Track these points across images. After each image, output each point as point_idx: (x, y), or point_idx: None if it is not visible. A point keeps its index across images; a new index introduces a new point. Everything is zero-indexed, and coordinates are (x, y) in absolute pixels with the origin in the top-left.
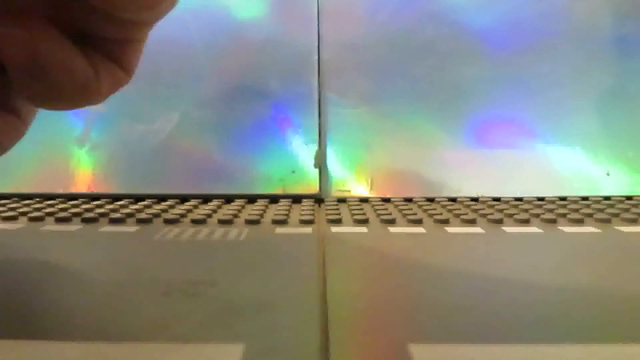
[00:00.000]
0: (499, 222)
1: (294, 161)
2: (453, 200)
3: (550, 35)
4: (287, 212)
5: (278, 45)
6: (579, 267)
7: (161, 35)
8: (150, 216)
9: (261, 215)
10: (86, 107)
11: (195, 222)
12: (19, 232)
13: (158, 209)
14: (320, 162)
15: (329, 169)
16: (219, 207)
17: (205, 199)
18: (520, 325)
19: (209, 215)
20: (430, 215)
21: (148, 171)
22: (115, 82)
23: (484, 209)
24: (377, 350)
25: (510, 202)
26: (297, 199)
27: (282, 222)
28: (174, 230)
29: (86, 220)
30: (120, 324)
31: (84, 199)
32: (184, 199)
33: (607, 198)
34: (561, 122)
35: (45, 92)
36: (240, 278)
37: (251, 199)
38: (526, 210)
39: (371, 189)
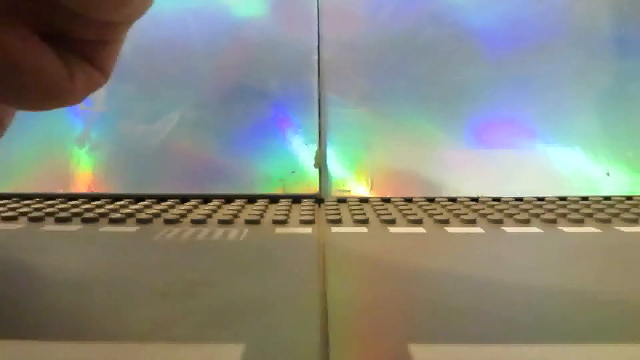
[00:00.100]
0: (499, 222)
1: (294, 161)
2: (453, 200)
3: (550, 35)
4: (287, 212)
5: (278, 45)
6: (579, 267)
7: (161, 35)
8: (150, 216)
9: (261, 215)
10: (86, 108)
11: (195, 222)
12: (19, 232)
13: (158, 209)
14: (320, 162)
15: (329, 169)
16: (219, 207)
17: (205, 199)
18: (520, 325)
19: (209, 216)
20: (430, 215)
21: (148, 171)
22: (91, 83)
23: (484, 209)
24: (377, 350)
25: (510, 202)
26: (297, 199)
27: (282, 222)
28: (174, 230)
29: (86, 220)
30: (120, 324)
31: (84, 199)
32: (184, 199)
33: (607, 198)
34: (561, 122)
35: (17, 93)
36: (240, 278)
37: (251, 199)
38: (526, 210)
39: (371, 189)
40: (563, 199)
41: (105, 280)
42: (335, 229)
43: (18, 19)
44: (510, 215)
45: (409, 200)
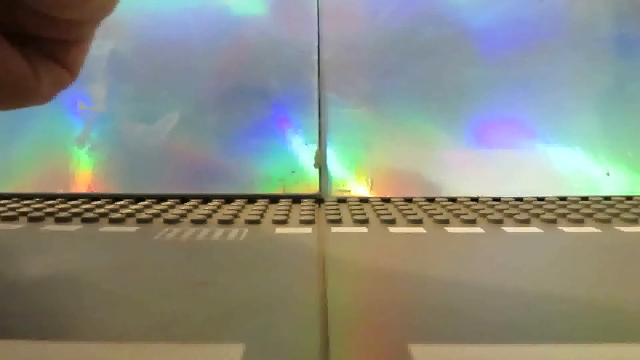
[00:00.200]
0: (499, 222)
1: (294, 161)
2: (453, 200)
3: (550, 35)
4: (287, 212)
5: (278, 45)
6: (579, 267)
7: (161, 35)
8: (150, 216)
9: (261, 215)
10: (86, 108)
11: (195, 222)
12: (19, 232)
13: (158, 209)
14: (320, 162)
15: (329, 169)
16: (219, 207)
17: (205, 199)
18: (520, 325)
19: (209, 215)
20: (430, 215)
21: (148, 171)
22: (58, 83)
23: (484, 209)
24: (377, 350)
25: (510, 202)
26: (297, 199)
27: (282, 222)
28: (174, 230)
29: (86, 220)
30: (120, 324)
31: (84, 199)
32: (184, 199)
33: (607, 198)
34: (561, 122)
35: None
36: (240, 278)
37: (251, 199)
38: (526, 210)
39: (371, 189)
40: (563, 199)
41: (105, 280)
42: (335, 229)
43: None
44: (510, 215)
45: (409, 200)
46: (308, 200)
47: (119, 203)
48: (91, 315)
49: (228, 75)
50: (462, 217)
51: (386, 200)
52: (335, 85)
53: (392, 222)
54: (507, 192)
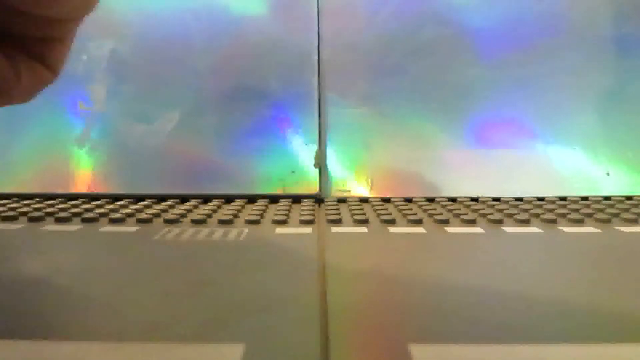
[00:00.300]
0: (499, 222)
1: (294, 161)
2: (453, 200)
3: (550, 36)
4: (287, 212)
5: (278, 45)
6: (579, 267)
7: (161, 35)
8: (150, 216)
9: (261, 215)
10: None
11: (195, 222)
12: (19, 232)
13: (158, 209)
14: (320, 162)
15: (329, 169)
16: (219, 207)
17: (205, 199)
18: (520, 325)
19: (209, 215)
20: (430, 215)
21: (148, 171)
22: (39, 81)
23: (484, 209)
24: (377, 350)
25: (510, 202)
26: (297, 199)
27: (282, 222)
28: (174, 230)
29: (86, 220)
30: (120, 324)
31: (84, 199)
32: (184, 199)
33: (607, 198)
34: (561, 122)
35: None
36: (240, 278)
37: (251, 199)
38: (526, 210)
39: (371, 189)
40: (563, 199)
41: (105, 280)
42: (335, 229)
43: None
44: (510, 215)
45: (409, 200)
46: (308, 200)
47: (119, 203)
48: (91, 315)
49: (228, 75)
50: (462, 217)
51: (386, 200)
52: (335, 85)
53: (392, 222)
54: (507, 192)
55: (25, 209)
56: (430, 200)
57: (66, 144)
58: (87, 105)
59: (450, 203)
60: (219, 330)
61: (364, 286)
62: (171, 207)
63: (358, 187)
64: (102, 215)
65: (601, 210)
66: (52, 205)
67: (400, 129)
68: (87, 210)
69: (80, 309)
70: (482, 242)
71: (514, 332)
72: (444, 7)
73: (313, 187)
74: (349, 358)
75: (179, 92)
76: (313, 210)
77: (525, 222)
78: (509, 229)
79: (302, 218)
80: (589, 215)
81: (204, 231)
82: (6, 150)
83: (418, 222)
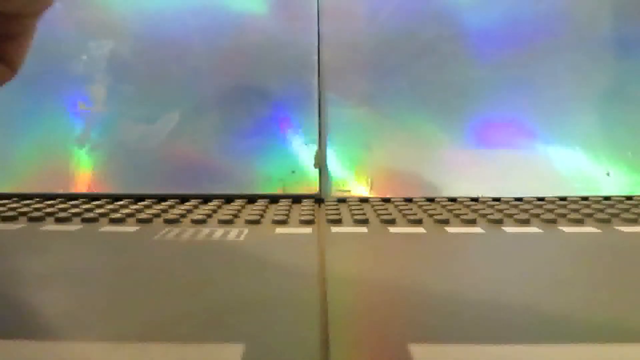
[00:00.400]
0: (499, 222)
1: (294, 161)
2: (453, 200)
3: (550, 36)
4: (287, 212)
5: (278, 44)
6: (579, 267)
7: (161, 35)
8: (150, 216)
9: (261, 215)
10: (86, 108)
11: (195, 222)
12: (19, 232)
13: (158, 209)
14: (320, 162)
15: (329, 169)
16: (219, 207)
17: (205, 199)
18: (520, 325)
19: (209, 215)
20: (430, 215)
21: (148, 171)
22: None
23: (484, 209)
24: (377, 350)
25: (510, 202)
26: (297, 199)
27: (282, 222)
28: (174, 230)
29: (86, 220)
30: (120, 324)
31: (84, 199)
32: (184, 199)
33: (607, 198)
34: (561, 122)
35: None
36: (240, 278)
37: (251, 199)
38: (526, 211)
39: (371, 189)
40: (563, 199)
41: (105, 280)
42: (335, 229)
43: None
44: (510, 215)
45: (409, 200)
46: (308, 200)
47: (119, 203)
48: (91, 315)
49: (228, 75)
50: (462, 217)
51: (386, 200)
52: (335, 85)
53: (392, 222)
54: (507, 192)
55: (25, 209)
56: (430, 200)
57: (66, 144)
58: (87, 105)
59: (450, 203)
60: (219, 330)
61: (363, 286)
62: (171, 207)
63: (358, 187)
64: (102, 215)
65: (601, 210)
66: (52, 205)
67: (400, 129)
68: (87, 210)
69: (80, 309)
70: (482, 242)
71: (514, 332)
72: (444, 7)
73: (313, 187)
74: (348, 358)
75: (179, 92)
76: (313, 210)
77: (525, 222)
78: (509, 229)
79: (302, 218)
80: (589, 215)
81: (204, 231)
82: (6, 150)
83: (418, 222)
